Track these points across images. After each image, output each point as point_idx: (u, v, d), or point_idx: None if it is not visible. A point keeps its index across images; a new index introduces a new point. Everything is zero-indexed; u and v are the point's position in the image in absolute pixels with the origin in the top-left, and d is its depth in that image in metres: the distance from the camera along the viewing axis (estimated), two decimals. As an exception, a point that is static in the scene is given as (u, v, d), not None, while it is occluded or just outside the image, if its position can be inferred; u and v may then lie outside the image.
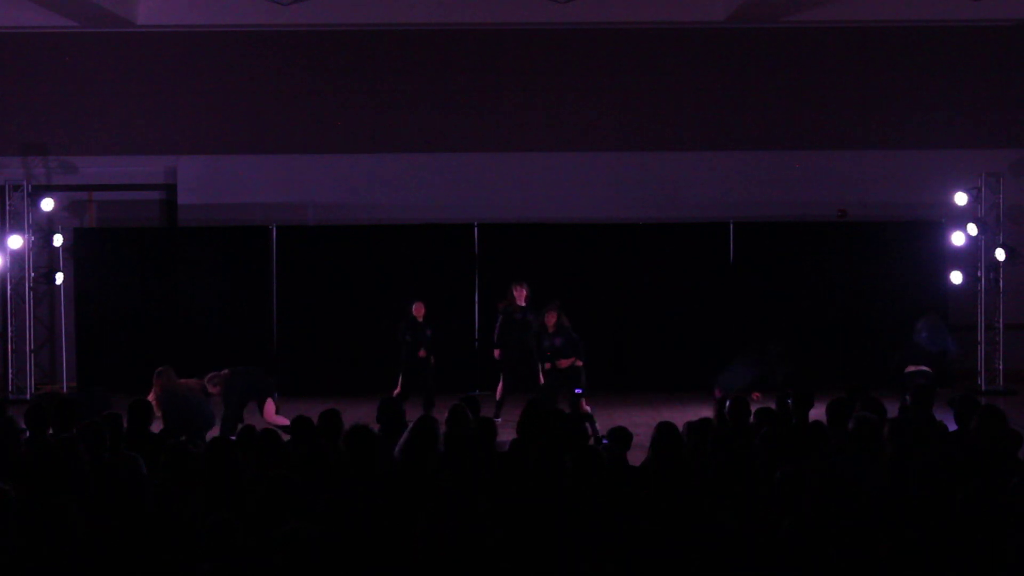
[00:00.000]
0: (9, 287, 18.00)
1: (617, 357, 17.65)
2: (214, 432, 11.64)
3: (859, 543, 6.04)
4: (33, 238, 17.92)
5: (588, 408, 13.82)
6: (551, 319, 13.94)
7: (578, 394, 14.23)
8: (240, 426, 13.36)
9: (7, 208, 17.86)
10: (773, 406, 9.95)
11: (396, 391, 14.86)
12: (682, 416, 11.83)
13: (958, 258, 17.89)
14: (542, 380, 14.79)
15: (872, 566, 5.98)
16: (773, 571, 6.08)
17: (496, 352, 15.30)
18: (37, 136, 18.83)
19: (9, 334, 18.13)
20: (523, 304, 15.11)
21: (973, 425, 8.86)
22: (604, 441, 9.26)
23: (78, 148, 18.84)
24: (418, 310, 15.16)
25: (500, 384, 15.19)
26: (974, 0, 17.61)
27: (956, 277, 17.80)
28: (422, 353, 15.09)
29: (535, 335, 14.34)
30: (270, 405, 12.72)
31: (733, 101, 18.95)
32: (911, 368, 14.12)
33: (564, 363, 13.81)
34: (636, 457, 8.93)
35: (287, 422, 10.02)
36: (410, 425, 8.72)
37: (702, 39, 18.96)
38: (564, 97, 18.98)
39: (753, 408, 9.55)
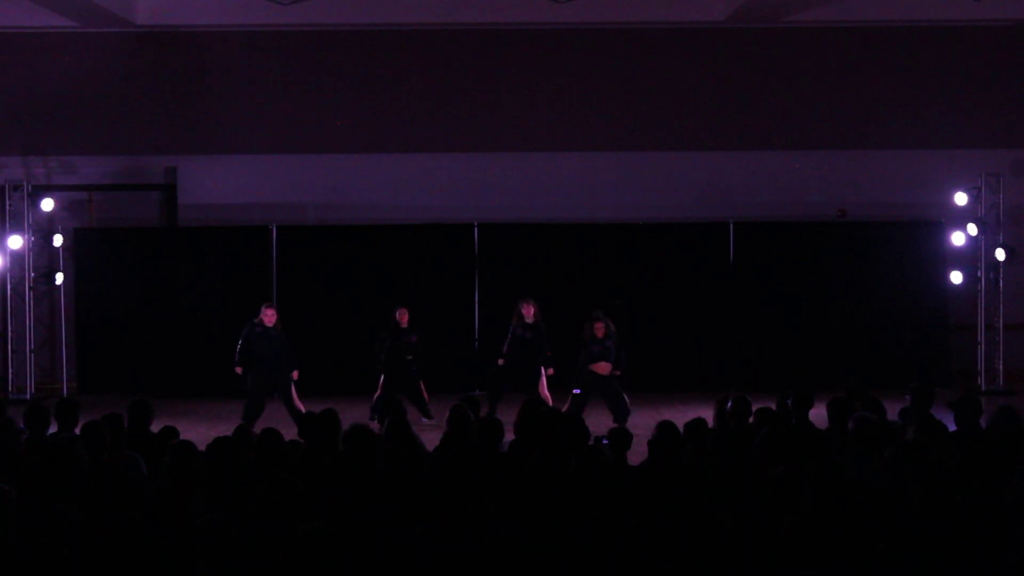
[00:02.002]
0: (9, 287, 18.00)
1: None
2: None
3: (859, 543, 6.04)
4: (33, 238, 17.92)
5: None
6: (601, 328, 14.47)
7: (576, 394, 14.30)
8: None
9: (7, 208, 17.86)
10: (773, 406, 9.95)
11: (376, 394, 14.86)
12: (682, 416, 11.83)
13: (958, 258, 17.89)
14: (545, 389, 14.87)
15: (872, 566, 5.98)
16: (773, 571, 6.08)
17: (500, 360, 15.27)
18: (37, 136, 18.82)
19: (9, 334, 18.13)
20: (531, 321, 15.07)
21: (988, 425, 8.87)
22: (604, 441, 9.25)
23: (78, 148, 18.83)
24: (402, 316, 15.12)
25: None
26: (974, 0, 17.60)
27: (956, 277, 17.80)
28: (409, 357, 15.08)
29: (584, 344, 14.56)
30: None
31: (733, 101, 18.93)
32: None
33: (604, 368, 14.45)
34: (636, 457, 8.93)
35: None
36: (383, 430, 8.70)
37: (702, 39, 18.94)
38: (564, 97, 18.96)
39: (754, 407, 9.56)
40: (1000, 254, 17.64)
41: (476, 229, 18.05)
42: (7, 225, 17.80)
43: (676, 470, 7.82)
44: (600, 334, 14.45)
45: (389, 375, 14.94)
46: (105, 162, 18.85)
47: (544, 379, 14.97)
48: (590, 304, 15.21)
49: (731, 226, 18.08)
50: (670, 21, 18.70)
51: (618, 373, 14.47)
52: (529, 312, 15.04)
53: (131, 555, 6.05)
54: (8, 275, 17.93)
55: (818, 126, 19.00)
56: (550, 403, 14.44)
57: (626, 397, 14.38)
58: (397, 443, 8.31)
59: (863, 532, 6.15)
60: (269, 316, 14.39)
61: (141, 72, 18.82)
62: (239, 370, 14.46)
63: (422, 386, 15.06)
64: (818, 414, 9.77)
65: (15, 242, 17.70)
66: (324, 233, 18.33)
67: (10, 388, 17.98)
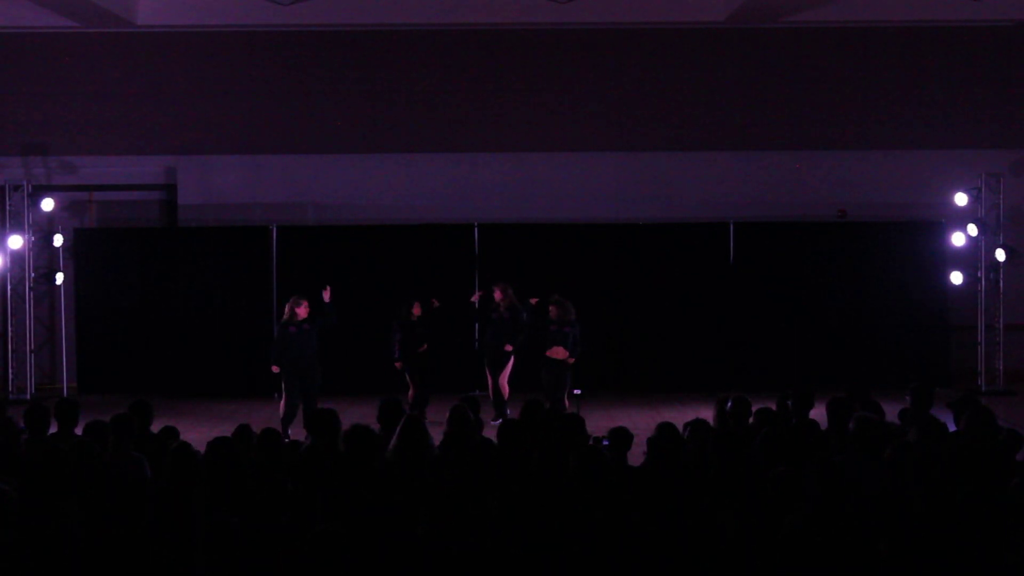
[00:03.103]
0: (9, 287, 18.01)
1: (617, 357, 17.65)
2: None
3: (859, 543, 6.04)
4: (33, 238, 17.92)
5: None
6: (553, 311, 14.64)
7: (577, 394, 14.31)
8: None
9: (7, 208, 17.87)
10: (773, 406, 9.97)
11: (410, 392, 14.94)
12: (682, 416, 11.85)
13: (958, 258, 17.89)
14: (506, 379, 14.96)
15: (872, 566, 5.99)
16: (773, 571, 6.09)
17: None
18: (37, 136, 18.82)
19: (9, 334, 18.14)
20: (500, 303, 15.16)
21: (961, 426, 8.89)
22: (604, 442, 9.25)
23: (78, 148, 18.83)
24: (415, 308, 15.24)
25: (489, 383, 15.23)
26: (974, 0, 17.60)
27: (956, 277, 17.80)
28: (423, 347, 15.15)
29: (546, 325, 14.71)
30: None
31: (733, 101, 18.93)
32: None
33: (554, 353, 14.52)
34: (636, 457, 8.94)
35: None
36: (398, 428, 8.71)
37: (702, 39, 18.94)
38: (564, 97, 18.96)
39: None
40: (1000, 254, 17.65)
41: (476, 229, 18.05)
42: (7, 225, 17.81)
43: (676, 470, 7.83)
44: (552, 315, 14.61)
45: (410, 372, 15.01)
46: (105, 162, 18.85)
47: (509, 368, 15.03)
48: (590, 304, 15.21)
49: (731, 226, 18.08)
50: (670, 21, 18.68)
51: (572, 360, 14.52)
52: (497, 295, 15.11)
53: (131, 555, 6.05)
54: (8, 275, 17.93)
55: (818, 126, 18.99)
56: (506, 395, 14.64)
57: (566, 394, 14.42)
58: (406, 444, 8.30)
59: (863, 532, 6.15)
60: (303, 308, 14.39)
61: (141, 72, 18.83)
62: (275, 369, 14.18)
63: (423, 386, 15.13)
64: (818, 414, 9.77)
65: (15, 242, 17.71)
66: (324, 233, 18.33)
67: (10, 388, 17.98)
